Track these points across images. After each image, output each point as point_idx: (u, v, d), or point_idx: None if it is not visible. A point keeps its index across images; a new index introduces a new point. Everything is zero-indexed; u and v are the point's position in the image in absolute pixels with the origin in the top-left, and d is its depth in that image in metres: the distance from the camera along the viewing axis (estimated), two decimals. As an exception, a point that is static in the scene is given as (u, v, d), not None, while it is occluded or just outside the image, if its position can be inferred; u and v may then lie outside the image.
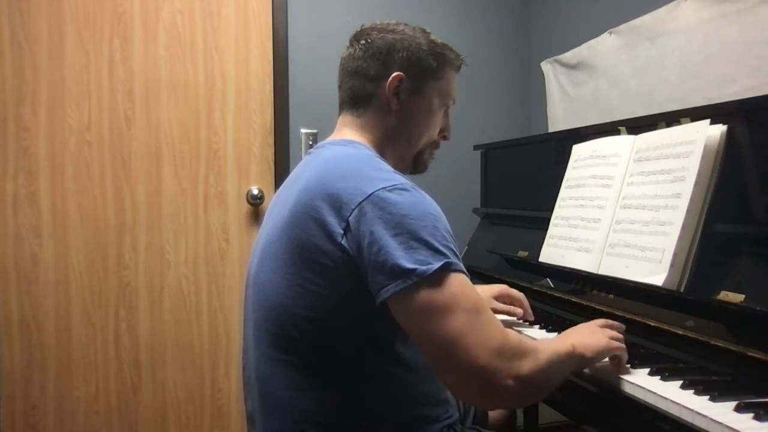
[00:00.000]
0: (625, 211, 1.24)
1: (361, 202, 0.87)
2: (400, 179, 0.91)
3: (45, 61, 2.00)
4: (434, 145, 1.14)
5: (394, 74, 1.03)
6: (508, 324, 1.32)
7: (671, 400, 0.84)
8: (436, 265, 0.84)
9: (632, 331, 1.13)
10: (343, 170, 0.94)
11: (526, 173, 1.87)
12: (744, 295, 0.94)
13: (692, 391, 0.86)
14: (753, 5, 1.48)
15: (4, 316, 1.98)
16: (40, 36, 2.00)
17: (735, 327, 0.95)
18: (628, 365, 1.00)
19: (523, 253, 1.62)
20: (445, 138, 1.15)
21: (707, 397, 0.84)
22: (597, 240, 1.30)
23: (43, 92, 2.01)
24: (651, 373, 0.95)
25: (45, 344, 2.02)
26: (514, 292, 1.35)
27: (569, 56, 2.24)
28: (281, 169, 2.22)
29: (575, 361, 0.94)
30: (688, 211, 1.07)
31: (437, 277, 0.84)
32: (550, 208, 1.51)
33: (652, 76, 1.82)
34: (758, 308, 0.90)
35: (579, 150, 1.49)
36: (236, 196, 2.21)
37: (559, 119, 2.32)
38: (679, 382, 0.89)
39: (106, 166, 2.07)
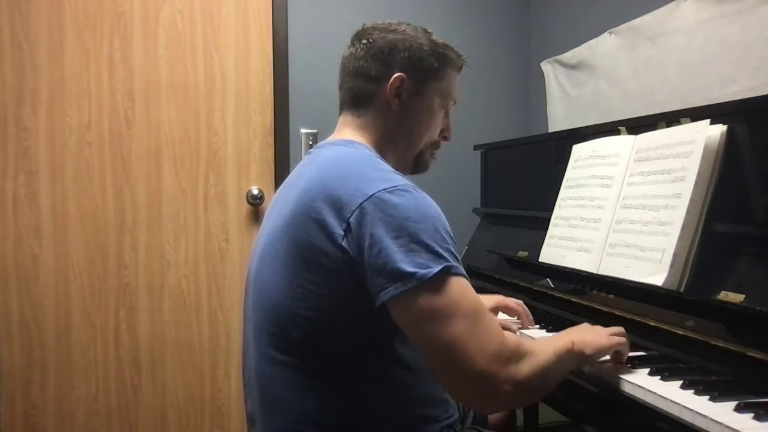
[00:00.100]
0: (625, 211, 1.24)
1: (362, 203, 0.87)
2: (400, 180, 0.91)
3: (45, 61, 2.00)
4: (435, 145, 1.13)
5: (396, 75, 1.03)
6: (507, 325, 1.32)
7: (671, 400, 0.84)
8: (436, 269, 0.84)
9: (632, 331, 1.12)
10: (344, 171, 0.93)
11: (526, 173, 1.87)
12: (744, 295, 0.94)
13: (692, 391, 0.86)
14: (753, 5, 1.48)
15: (4, 316, 1.98)
16: (40, 36, 2.00)
17: (735, 327, 0.95)
18: (628, 365, 1.00)
19: (523, 253, 1.62)
20: (445, 138, 1.15)
21: (707, 397, 0.84)
22: (597, 240, 1.30)
23: (43, 92, 2.01)
24: (651, 373, 0.95)
25: (45, 344, 2.02)
26: (511, 302, 1.34)
27: (569, 56, 2.24)
28: (281, 169, 2.22)
29: (575, 358, 0.94)
30: (688, 211, 1.07)
31: (437, 281, 0.84)
32: (550, 208, 1.51)
33: (652, 76, 1.82)
34: (758, 308, 0.90)
35: (579, 150, 1.49)
36: (236, 196, 2.21)
37: (559, 119, 2.32)
38: (679, 382, 0.89)
39: (106, 166, 2.07)
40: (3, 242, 1.98)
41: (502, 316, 1.36)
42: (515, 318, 1.34)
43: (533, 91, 2.57)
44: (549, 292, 1.44)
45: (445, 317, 0.83)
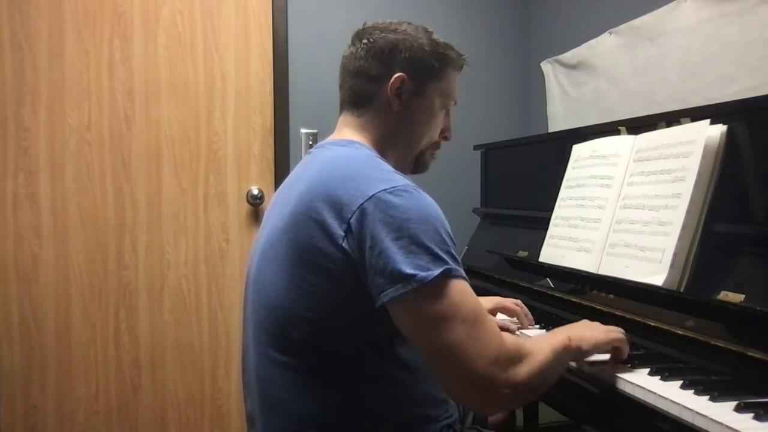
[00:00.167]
0: (625, 211, 1.24)
1: (363, 203, 0.86)
2: (401, 180, 0.90)
3: (45, 61, 2.00)
4: (435, 145, 1.13)
5: (396, 75, 1.03)
6: (506, 325, 1.32)
7: (671, 400, 0.84)
8: (436, 271, 0.83)
9: (632, 331, 1.12)
10: (344, 171, 0.93)
11: (526, 173, 1.87)
12: (744, 295, 0.94)
13: (692, 391, 0.86)
14: (753, 5, 1.48)
15: (4, 316, 1.98)
16: (40, 36, 2.00)
17: (735, 327, 0.95)
18: (628, 365, 1.00)
19: (523, 253, 1.62)
20: (446, 138, 1.14)
21: (707, 397, 0.84)
22: (597, 240, 1.30)
23: (43, 92, 2.01)
24: (651, 373, 0.95)
25: (45, 344, 2.02)
26: (509, 304, 1.34)
27: (569, 56, 2.24)
28: (281, 169, 2.22)
29: (572, 354, 0.95)
30: (688, 211, 1.07)
31: (437, 284, 0.84)
32: (550, 208, 1.51)
33: (652, 76, 1.82)
34: (758, 308, 0.90)
35: (579, 150, 1.49)
36: (236, 196, 2.21)
37: (559, 119, 2.32)
38: (679, 382, 0.89)
39: (106, 166, 2.07)
40: (3, 242, 1.98)
41: (500, 316, 1.36)
42: (514, 318, 1.34)
43: (533, 91, 2.57)
44: (549, 292, 1.44)
45: (445, 320, 0.83)
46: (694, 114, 1.18)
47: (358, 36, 1.08)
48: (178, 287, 2.15)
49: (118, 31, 2.07)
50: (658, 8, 1.79)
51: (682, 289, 1.06)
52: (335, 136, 1.08)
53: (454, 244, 0.90)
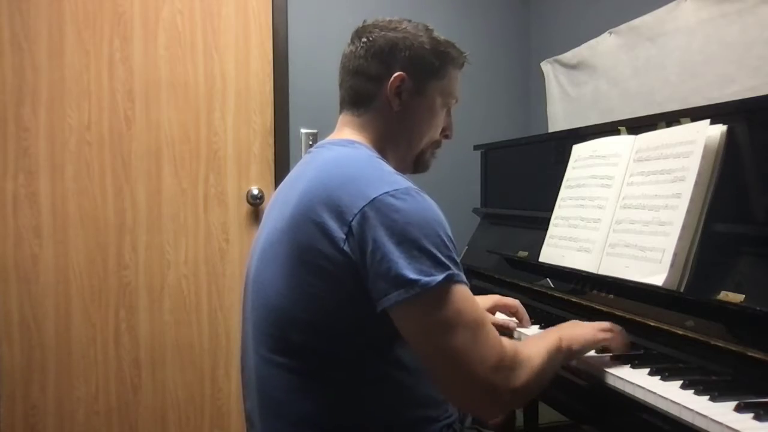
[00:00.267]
0: (625, 211, 1.24)
1: (364, 206, 0.86)
2: (402, 182, 0.90)
3: (45, 61, 2.00)
4: (436, 144, 1.12)
5: (396, 74, 1.02)
6: (505, 323, 1.32)
7: (671, 400, 0.84)
8: (439, 277, 0.83)
9: (632, 331, 1.13)
10: (345, 172, 0.93)
11: (526, 173, 1.87)
12: (744, 295, 0.94)
13: (692, 391, 0.86)
14: (753, 5, 1.48)
15: (4, 316, 1.98)
16: (40, 36, 2.00)
17: (735, 327, 0.94)
18: (629, 365, 1.00)
19: (523, 253, 1.62)
20: (447, 137, 1.14)
21: (707, 397, 0.84)
22: (597, 240, 1.30)
23: (43, 92, 2.01)
24: (651, 373, 0.95)
25: (45, 344, 2.02)
26: (508, 301, 1.34)
27: (569, 56, 2.24)
28: (281, 169, 2.22)
29: (563, 354, 0.96)
30: (688, 211, 1.07)
31: (440, 290, 0.84)
32: (550, 208, 1.51)
33: (652, 76, 1.82)
34: (758, 308, 0.90)
35: (579, 150, 1.49)
36: (236, 196, 2.21)
37: (559, 119, 2.32)
38: (679, 382, 0.89)
39: (106, 166, 2.07)
40: (3, 242, 1.98)
41: (500, 315, 1.36)
42: (513, 319, 1.34)
43: (533, 91, 2.57)
44: (549, 292, 1.44)
45: (448, 327, 0.83)
46: (694, 114, 1.18)
47: (358, 34, 1.07)
48: (178, 287, 2.15)
49: (118, 31, 2.07)
50: (658, 8, 1.79)
51: (682, 289, 1.06)
52: (335, 136, 1.08)
53: (455, 247, 0.89)
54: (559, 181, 1.51)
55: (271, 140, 2.24)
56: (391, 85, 1.02)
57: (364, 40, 1.05)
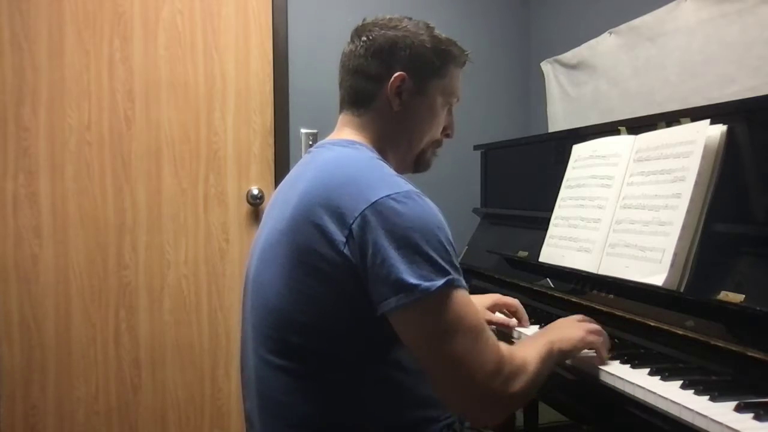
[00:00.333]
0: (625, 211, 1.24)
1: (365, 209, 0.85)
2: (403, 185, 0.89)
3: (45, 61, 2.00)
4: (437, 143, 1.11)
5: (396, 74, 1.01)
6: (505, 322, 1.32)
7: (671, 400, 0.84)
8: (439, 282, 0.83)
9: (632, 331, 1.13)
10: (345, 173, 0.92)
11: (526, 173, 1.87)
12: (744, 295, 0.94)
13: (692, 391, 0.86)
14: (753, 5, 1.48)
15: (4, 316, 1.98)
16: (40, 36, 2.00)
17: (735, 327, 0.94)
18: (629, 365, 1.00)
19: (523, 253, 1.62)
20: (448, 136, 1.13)
21: (707, 397, 0.84)
22: (597, 240, 1.30)
23: (43, 92, 2.01)
24: (651, 373, 0.95)
25: (45, 344, 2.02)
26: (509, 300, 1.34)
27: (569, 56, 2.24)
28: (281, 169, 2.22)
29: (555, 357, 0.96)
30: (688, 211, 1.07)
31: (441, 295, 0.83)
32: (550, 208, 1.51)
33: (652, 76, 1.82)
34: (758, 308, 0.90)
35: (579, 150, 1.49)
36: (236, 196, 2.21)
37: (559, 119, 2.32)
38: (679, 382, 0.89)
39: (106, 166, 2.07)
40: (3, 242, 1.98)
41: (499, 314, 1.36)
42: (513, 319, 1.34)
43: (533, 91, 2.57)
44: (549, 292, 1.44)
45: (448, 332, 0.83)
46: (694, 114, 1.18)
47: (358, 33, 1.05)
48: (178, 287, 2.15)
49: (118, 31, 2.07)
50: (658, 8, 1.79)
51: (682, 289, 1.06)
52: (335, 136, 1.07)
53: (455, 252, 0.89)
54: (559, 181, 1.51)
55: (271, 140, 2.24)
56: (391, 85, 1.02)
57: (364, 38, 1.04)
